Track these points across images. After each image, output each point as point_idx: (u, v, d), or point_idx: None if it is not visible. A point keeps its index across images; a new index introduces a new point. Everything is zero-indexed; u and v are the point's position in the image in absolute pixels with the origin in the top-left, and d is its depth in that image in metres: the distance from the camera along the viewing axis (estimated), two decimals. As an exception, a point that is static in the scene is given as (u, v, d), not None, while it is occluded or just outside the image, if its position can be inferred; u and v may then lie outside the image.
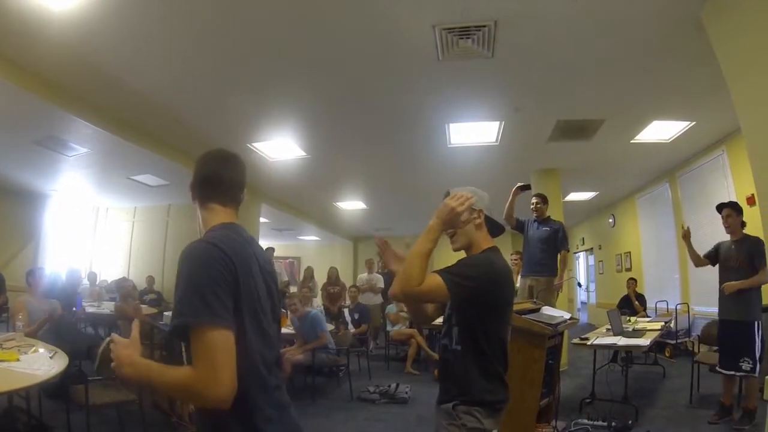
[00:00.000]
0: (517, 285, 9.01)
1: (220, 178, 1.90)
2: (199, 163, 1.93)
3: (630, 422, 5.33)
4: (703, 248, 6.08)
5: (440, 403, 2.36)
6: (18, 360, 3.86)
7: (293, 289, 12.12)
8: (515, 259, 9.07)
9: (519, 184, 6.52)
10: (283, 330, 7.45)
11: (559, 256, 7.10)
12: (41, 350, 4.33)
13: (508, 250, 11.14)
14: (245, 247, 1.76)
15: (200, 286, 1.53)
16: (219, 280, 1.56)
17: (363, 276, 11.91)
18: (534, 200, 7.19)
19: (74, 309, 8.24)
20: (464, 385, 2.31)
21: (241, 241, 1.77)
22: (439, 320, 2.60)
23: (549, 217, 7.20)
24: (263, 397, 1.66)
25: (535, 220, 7.16)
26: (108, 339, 1.77)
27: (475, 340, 2.31)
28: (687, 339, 8.78)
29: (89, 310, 9.42)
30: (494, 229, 2.51)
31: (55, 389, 4.62)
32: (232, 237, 1.74)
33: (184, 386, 1.50)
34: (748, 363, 5.24)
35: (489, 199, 2.50)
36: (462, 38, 4.99)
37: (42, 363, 3.84)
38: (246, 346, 1.59)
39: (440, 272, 2.21)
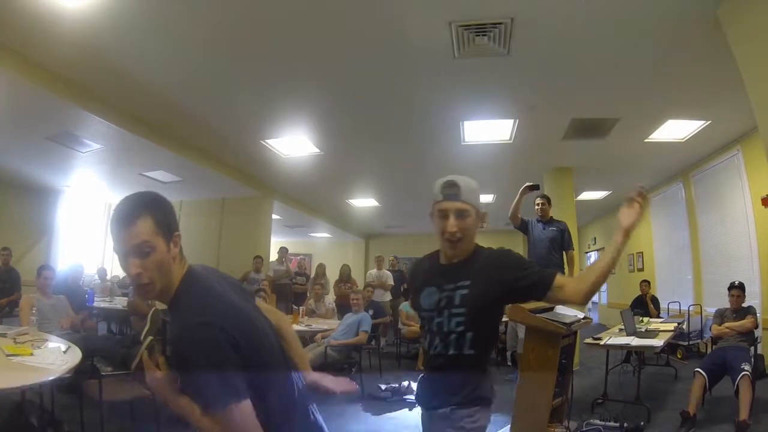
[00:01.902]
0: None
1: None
2: (166, 204, 1.73)
3: (642, 423, 5.29)
4: (716, 249, 6.14)
5: (435, 408, 2.29)
6: (31, 354, 3.87)
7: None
8: None
9: (527, 183, 6.50)
10: (294, 327, 7.46)
11: (565, 256, 7.10)
12: (54, 344, 4.35)
13: (518, 248, 11.11)
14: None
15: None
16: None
17: (372, 272, 11.88)
18: (539, 201, 7.17)
19: (87, 304, 8.29)
20: (470, 386, 2.24)
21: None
22: None
23: (552, 217, 7.19)
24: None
25: (539, 221, 7.14)
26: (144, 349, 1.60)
27: (485, 341, 2.29)
28: (699, 341, 8.72)
29: (101, 305, 9.47)
30: None
31: (69, 384, 4.63)
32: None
33: None
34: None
35: None
36: (478, 35, 4.97)
37: (55, 358, 3.84)
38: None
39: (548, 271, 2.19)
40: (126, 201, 1.62)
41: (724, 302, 6.46)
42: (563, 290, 2.10)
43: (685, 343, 8.65)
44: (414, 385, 6.77)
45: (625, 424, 5.14)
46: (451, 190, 2.25)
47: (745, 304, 6.20)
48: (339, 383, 2.23)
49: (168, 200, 1.72)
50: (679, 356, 9.11)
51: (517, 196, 6.57)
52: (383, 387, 6.92)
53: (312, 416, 1.91)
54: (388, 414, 6.13)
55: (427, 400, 2.35)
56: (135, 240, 1.56)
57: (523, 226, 7.09)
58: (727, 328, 6.01)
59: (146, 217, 1.59)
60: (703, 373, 5.49)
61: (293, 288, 11.60)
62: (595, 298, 18.16)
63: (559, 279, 2.11)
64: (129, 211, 1.59)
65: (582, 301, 2.13)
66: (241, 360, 1.55)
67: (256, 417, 1.52)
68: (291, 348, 2.13)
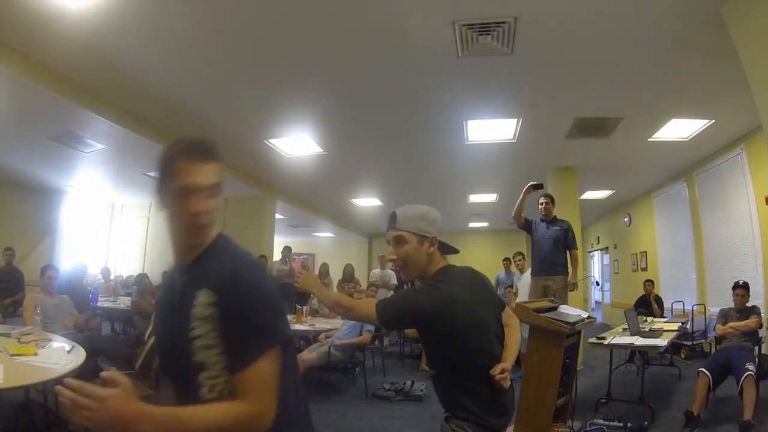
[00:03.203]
0: (518, 283, 9.01)
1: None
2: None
3: (646, 423, 5.28)
4: (720, 248, 6.13)
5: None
6: (36, 354, 3.88)
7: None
8: (519, 260, 9.05)
9: (531, 183, 6.50)
10: (298, 327, 7.45)
11: (569, 255, 7.10)
12: (58, 344, 4.36)
13: (522, 247, 11.09)
14: None
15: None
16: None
17: (376, 272, 11.83)
18: (543, 200, 7.17)
19: (91, 304, 8.29)
20: (448, 404, 2.33)
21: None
22: None
23: (555, 216, 7.19)
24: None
25: (542, 220, 7.14)
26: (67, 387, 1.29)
27: (445, 364, 2.33)
28: (703, 340, 8.71)
29: (105, 305, 9.48)
30: (447, 250, 2.46)
31: (73, 384, 4.63)
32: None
33: (234, 426, 1.36)
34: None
35: (442, 221, 2.42)
36: (482, 34, 4.97)
37: (59, 357, 3.85)
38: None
39: (379, 302, 2.31)
40: (201, 139, 1.65)
41: (728, 302, 6.44)
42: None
43: (689, 343, 8.64)
44: (417, 385, 6.78)
45: (629, 424, 5.14)
46: (389, 221, 2.41)
47: (749, 304, 6.18)
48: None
49: None
50: (682, 356, 9.09)
51: (521, 196, 6.57)
52: (387, 386, 6.92)
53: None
54: (391, 413, 6.13)
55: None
56: (212, 178, 1.56)
57: (527, 226, 7.09)
58: (731, 327, 6.00)
59: (219, 161, 1.62)
60: (707, 373, 5.48)
61: (297, 287, 11.56)
62: (598, 297, 18.26)
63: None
64: (207, 150, 1.62)
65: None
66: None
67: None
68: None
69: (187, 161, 1.55)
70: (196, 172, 1.53)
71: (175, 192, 1.52)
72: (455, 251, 2.50)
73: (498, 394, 2.27)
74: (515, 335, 2.53)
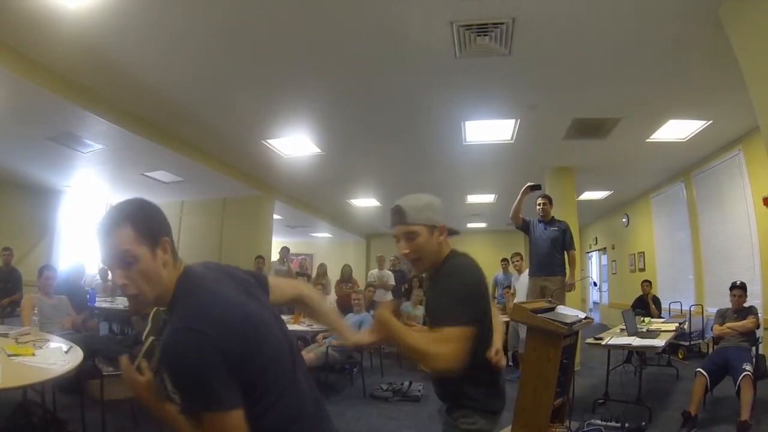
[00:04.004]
0: (515, 284, 9.01)
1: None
2: (149, 210, 1.65)
3: (643, 423, 5.29)
4: (717, 249, 6.14)
5: (441, 405, 2.36)
6: (33, 355, 3.87)
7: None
8: (517, 261, 9.04)
9: (529, 183, 6.50)
10: (296, 327, 7.45)
11: (567, 256, 7.10)
12: (56, 344, 4.35)
13: (520, 248, 11.10)
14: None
15: None
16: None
17: (374, 272, 11.84)
18: (541, 201, 7.18)
19: (88, 304, 8.28)
20: (449, 395, 2.31)
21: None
22: None
23: (553, 217, 7.20)
24: None
25: (540, 221, 7.15)
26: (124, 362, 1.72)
27: None
28: (701, 341, 8.73)
29: (103, 305, 9.47)
30: (450, 234, 2.41)
31: (70, 384, 4.63)
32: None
33: None
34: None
35: (442, 205, 2.39)
36: (480, 35, 4.96)
37: (57, 358, 3.85)
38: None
39: (452, 328, 2.04)
40: (107, 212, 1.59)
41: (726, 302, 6.47)
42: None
43: (687, 343, 8.66)
44: (415, 385, 6.77)
45: (627, 424, 5.14)
46: (395, 216, 2.33)
47: (746, 304, 6.21)
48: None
49: (154, 205, 1.66)
50: (680, 356, 9.11)
51: (519, 196, 6.58)
52: (385, 387, 6.92)
53: (325, 416, 1.82)
54: (389, 413, 6.13)
55: None
56: (115, 251, 1.53)
57: (525, 226, 7.10)
58: (728, 328, 6.01)
59: (125, 227, 1.54)
60: (705, 373, 5.50)
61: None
62: (596, 298, 18.25)
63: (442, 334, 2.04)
64: (107, 223, 1.56)
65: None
66: (230, 366, 1.45)
67: (245, 427, 1.45)
68: (321, 313, 2.32)
69: (97, 240, 1.57)
70: (102, 250, 1.57)
71: None
72: (457, 233, 2.50)
73: (497, 378, 2.30)
74: (498, 318, 2.53)
